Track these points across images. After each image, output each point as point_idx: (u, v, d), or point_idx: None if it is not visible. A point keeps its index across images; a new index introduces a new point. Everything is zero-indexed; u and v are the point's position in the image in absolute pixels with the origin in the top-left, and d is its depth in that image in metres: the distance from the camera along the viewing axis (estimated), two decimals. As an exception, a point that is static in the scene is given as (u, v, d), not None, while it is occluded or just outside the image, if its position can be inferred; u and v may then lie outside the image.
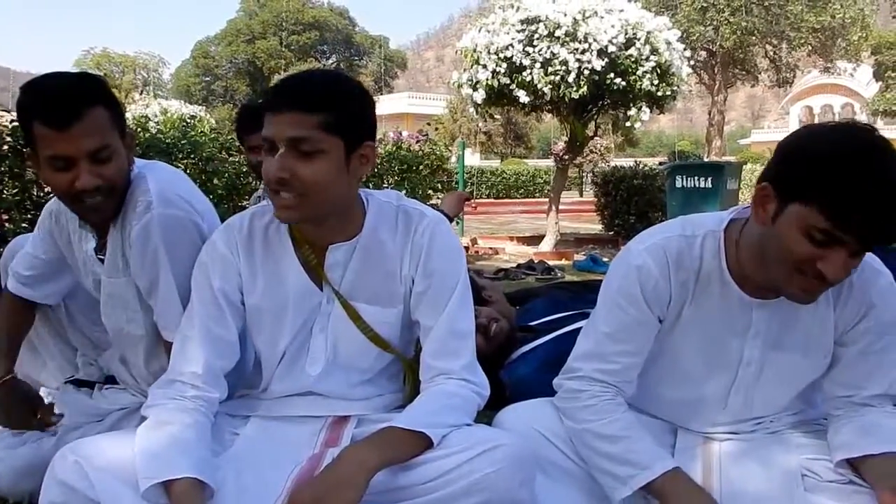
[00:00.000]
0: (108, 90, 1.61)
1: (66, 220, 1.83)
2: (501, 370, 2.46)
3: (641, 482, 1.41)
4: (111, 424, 1.83)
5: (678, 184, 7.22)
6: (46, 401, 1.93)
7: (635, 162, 10.50)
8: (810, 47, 25.78)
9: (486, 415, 1.62)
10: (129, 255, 1.69)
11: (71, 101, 1.51)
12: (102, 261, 1.77)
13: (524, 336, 2.59)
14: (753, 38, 25.41)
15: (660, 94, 6.98)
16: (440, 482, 1.35)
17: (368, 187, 5.86)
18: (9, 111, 5.03)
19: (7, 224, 4.43)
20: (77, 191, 1.55)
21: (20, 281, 1.95)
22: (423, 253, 1.55)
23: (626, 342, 1.52)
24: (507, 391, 2.26)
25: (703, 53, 26.00)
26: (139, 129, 5.46)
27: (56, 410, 1.88)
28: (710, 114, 28.66)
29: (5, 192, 4.68)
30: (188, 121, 5.95)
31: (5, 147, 4.57)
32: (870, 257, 1.42)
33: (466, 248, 7.60)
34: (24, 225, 4.28)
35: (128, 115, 8.27)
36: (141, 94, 38.53)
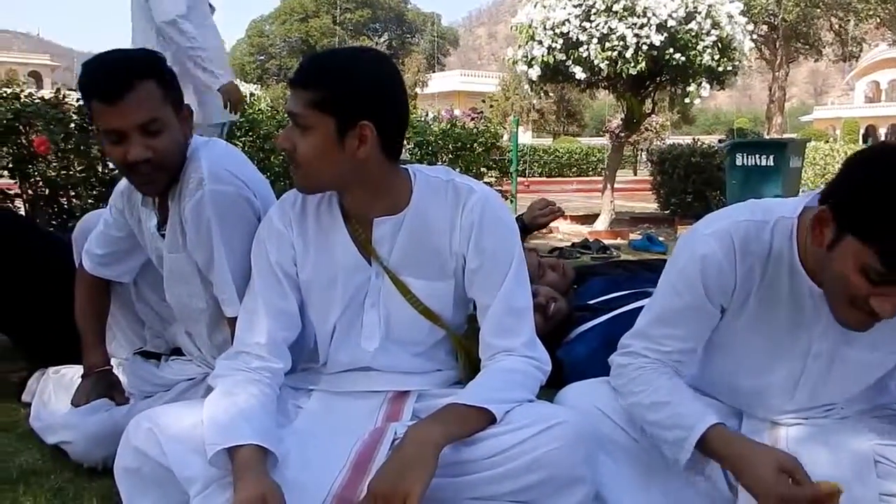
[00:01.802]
0: (160, 65, 1.66)
1: (135, 198, 1.88)
2: (559, 349, 2.45)
3: (693, 441, 1.38)
4: (178, 394, 1.88)
5: (738, 162, 7.03)
6: (116, 371, 1.99)
7: (693, 139, 10.27)
8: (878, 19, 24.85)
9: (546, 394, 1.62)
10: (186, 230, 1.73)
11: (121, 76, 1.57)
12: (164, 237, 1.82)
13: (582, 315, 2.58)
14: (818, 10, 24.60)
15: (721, 69, 6.79)
16: (503, 457, 1.36)
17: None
18: (74, 90, 5.17)
19: (74, 200, 4.56)
20: (130, 162, 1.61)
21: (96, 261, 2.01)
22: (475, 229, 1.54)
23: (675, 327, 1.49)
24: (565, 370, 2.26)
25: (765, 27, 25.28)
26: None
27: (125, 380, 1.95)
28: (770, 90, 27.89)
29: (72, 168, 4.83)
30: (246, 99, 6.01)
31: (72, 125, 4.70)
32: None
33: (520, 227, 7.55)
34: (90, 202, 4.41)
35: (186, 94, 8.42)
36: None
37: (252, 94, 6.78)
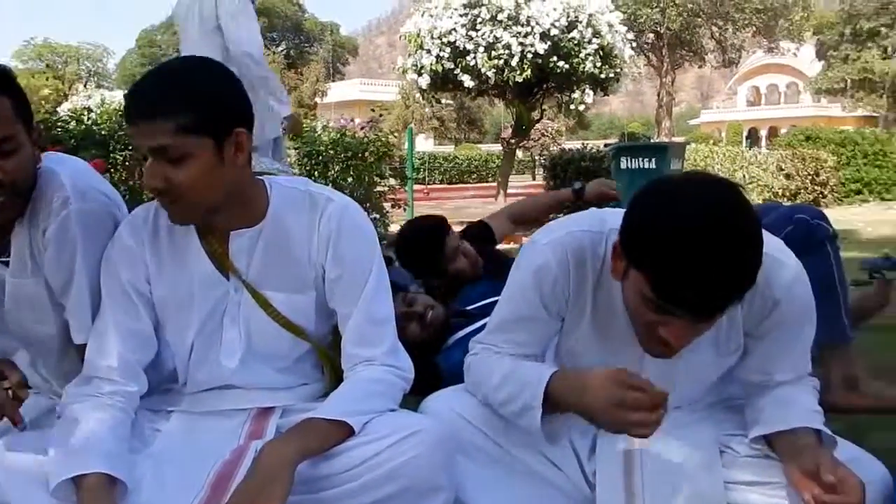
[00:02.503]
0: (12, 80, 1.52)
1: None
2: (438, 355, 2.46)
3: (540, 398, 1.39)
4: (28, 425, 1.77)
5: (623, 165, 7.29)
6: None
7: (582, 144, 10.59)
8: (755, 28, 26.35)
9: (419, 400, 1.62)
10: (39, 254, 1.61)
11: None
12: (6, 263, 1.67)
13: (459, 321, 2.60)
14: (699, 19, 25.86)
15: (603, 76, 7.07)
16: (362, 469, 1.35)
17: (314, 175, 5.77)
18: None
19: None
20: None
21: None
22: (332, 238, 1.52)
23: (515, 333, 1.52)
24: (444, 376, 2.27)
25: (651, 36, 26.33)
26: (74, 121, 5.31)
27: None
28: (658, 95, 29.06)
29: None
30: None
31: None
32: (774, 243, 1.41)
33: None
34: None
35: (67, 105, 8.05)
36: (85, 85, 37.56)
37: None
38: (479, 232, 3.16)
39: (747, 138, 39.78)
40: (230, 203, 1.47)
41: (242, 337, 1.55)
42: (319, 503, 1.37)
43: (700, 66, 31.05)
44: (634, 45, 7.04)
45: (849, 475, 1.29)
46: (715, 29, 27.25)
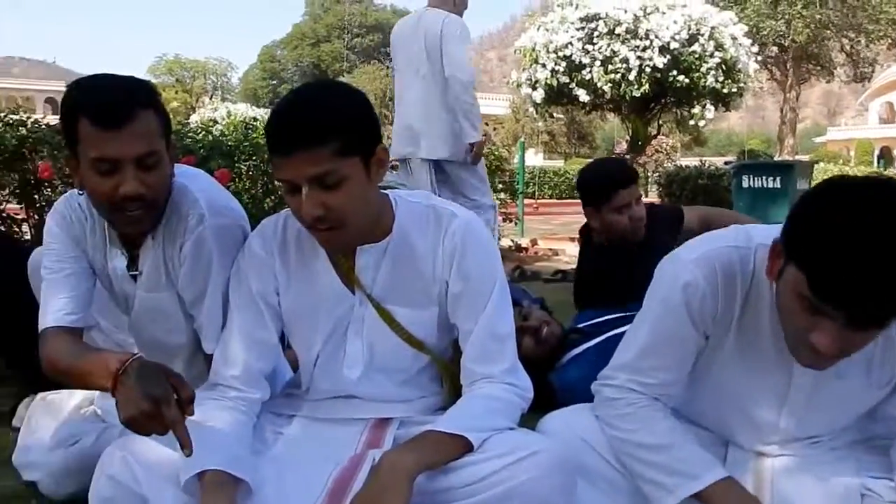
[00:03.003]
0: (158, 96, 1.57)
1: (85, 230, 1.71)
2: (552, 373, 2.43)
3: (689, 492, 1.36)
4: None
5: (745, 184, 7.01)
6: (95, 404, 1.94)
7: (700, 161, 10.26)
8: (890, 40, 24.83)
9: (535, 418, 1.60)
10: (174, 269, 1.68)
11: (124, 102, 1.45)
12: (134, 277, 1.72)
13: (574, 339, 2.56)
14: (828, 31, 24.64)
15: (725, 91, 6.83)
16: (479, 486, 1.34)
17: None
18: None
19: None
20: (120, 198, 1.49)
21: (64, 312, 1.66)
22: (457, 254, 1.52)
23: (664, 357, 1.46)
24: (557, 394, 2.24)
25: (775, 49, 25.29)
26: (203, 132, 5.59)
27: (99, 412, 1.90)
28: (782, 111, 27.87)
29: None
30: (250, 123, 6.06)
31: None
32: None
33: (525, 249, 7.55)
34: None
35: (195, 118, 8.50)
36: (210, 98, 39.56)
37: (255, 119, 6.84)
38: (669, 214, 3.05)
39: (879, 158, 37.52)
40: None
41: (365, 350, 1.58)
42: (437, 517, 1.37)
43: (828, 81, 29.59)
44: (758, 58, 6.78)
45: None
46: (845, 41, 25.93)
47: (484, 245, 1.56)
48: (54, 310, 1.65)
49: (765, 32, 22.96)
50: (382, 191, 1.56)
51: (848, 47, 26.30)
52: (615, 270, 2.72)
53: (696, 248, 1.44)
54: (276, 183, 5.81)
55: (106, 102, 1.45)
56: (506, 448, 1.36)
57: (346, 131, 1.35)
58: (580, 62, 6.65)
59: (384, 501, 1.26)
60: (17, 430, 2.06)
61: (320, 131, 1.33)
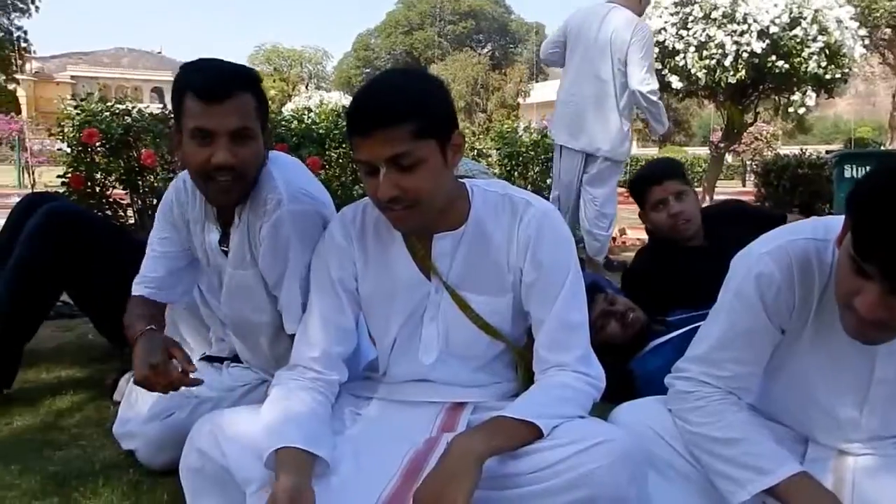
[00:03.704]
0: (258, 82, 1.72)
1: (194, 212, 1.90)
2: (633, 361, 2.41)
3: (762, 486, 1.33)
4: (239, 398, 1.95)
5: (847, 174, 6.67)
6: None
7: (801, 150, 9.83)
8: None
9: (613, 408, 1.60)
10: (255, 249, 1.77)
11: (225, 81, 1.62)
12: (225, 252, 1.85)
13: (658, 329, 2.52)
14: (947, 11, 23.04)
15: (828, 77, 6.50)
16: (547, 473, 1.35)
17: (514, 177, 5.85)
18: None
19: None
20: (212, 166, 1.63)
21: (154, 287, 1.97)
22: (532, 243, 1.53)
23: (739, 350, 1.43)
24: (637, 383, 2.22)
25: (888, 31, 23.87)
26: (296, 121, 5.75)
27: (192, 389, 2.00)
28: (894, 97, 26.32)
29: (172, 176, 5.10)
30: (341, 111, 6.19)
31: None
32: None
33: (614, 239, 7.43)
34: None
35: (290, 106, 8.72)
36: (306, 86, 40.49)
37: (346, 107, 6.95)
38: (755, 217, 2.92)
39: None
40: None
41: (440, 336, 1.61)
42: (504, 501, 1.38)
43: (946, 65, 27.71)
44: (868, 41, 6.43)
45: None
46: (966, 22, 24.21)
47: (558, 234, 1.57)
48: (138, 281, 1.99)
49: (877, 14, 21.72)
50: (459, 179, 1.59)
51: (970, 28, 24.54)
52: (662, 271, 2.67)
53: (771, 240, 1.41)
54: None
55: (210, 79, 1.62)
56: (576, 436, 1.37)
57: (422, 114, 1.39)
58: (673, 48, 6.48)
59: (453, 483, 1.28)
60: (118, 403, 2.20)
61: (398, 113, 1.37)
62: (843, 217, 1.36)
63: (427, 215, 1.47)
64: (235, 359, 2.07)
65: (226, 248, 1.85)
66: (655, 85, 4.60)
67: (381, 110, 1.38)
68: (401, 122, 1.37)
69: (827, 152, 10.26)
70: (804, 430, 1.51)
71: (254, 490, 1.40)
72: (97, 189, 4.75)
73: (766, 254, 1.38)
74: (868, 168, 6.51)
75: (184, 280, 2.03)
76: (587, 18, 4.75)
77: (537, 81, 49.71)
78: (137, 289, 1.96)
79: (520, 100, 39.41)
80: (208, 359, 2.11)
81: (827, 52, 6.38)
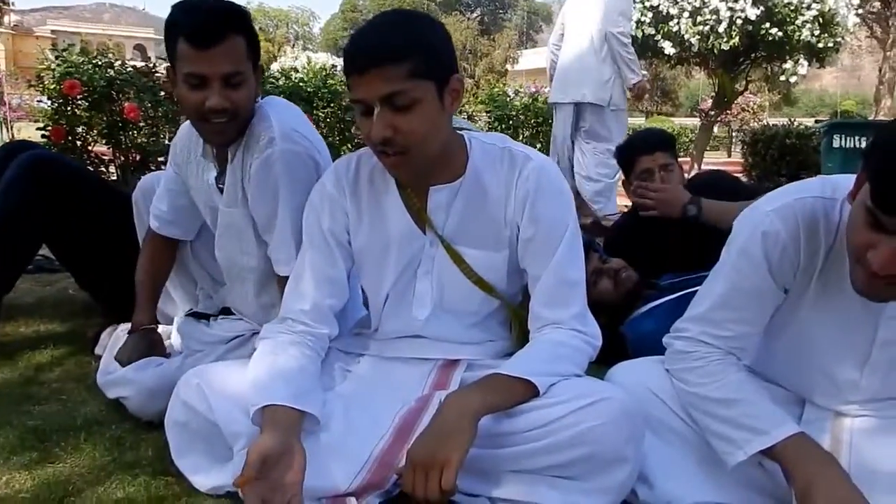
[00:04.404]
0: (249, 22, 1.69)
1: (195, 149, 1.91)
2: (625, 324, 2.39)
3: (759, 447, 1.31)
4: (227, 351, 1.91)
5: (835, 143, 6.67)
6: (170, 331, 2.08)
7: (789, 120, 9.82)
8: None
9: (605, 370, 1.58)
10: (247, 187, 1.75)
11: (216, 26, 1.60)
12: (221, 190, 1.84)
13: (650, 293, 2.50)
14: (938, -15, 23.00)
15: (820, 45, 6.47)
16: (544, 431, 1.33)
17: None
18: (163, 59, 5.34)
19: (164, 166, 4.77)
20: (206, 110, 1.63)
21: (163, 220, 2.06)
22: (530, 198, 1.49)
23: (740, 310, 1.40)
24: (629, 346, 2.20)
25: (877, 4, 23.82)
26: (283, 78, 5.65)
27: (175, 340, 2.04)
28: (880, 70, 26.33)
29: (162, 135, 5.02)
30: (329, 71, 6.09)
31: (162, 94, 4.87)
32: None
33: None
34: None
35: (276, 66, 8.61)
36: (292, 47, 39.95)
37: (335, 66, 6.89)
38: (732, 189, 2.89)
39: (985, 122, 35.16)
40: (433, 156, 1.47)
41: (434, 290, 1.57)
42: (500, 459, 1.37)
43: (933, 40, 27.71)
44: (859, 14, 6.38)
45: None
46: (956, -3, 24.19)
47: (557, 190, 1.53)
48: (153, 213, 2.08)
49: (868, -14, 21.65)
50: (458, 131, 1.54)
51: (959, 3, 24.54)
52: (640, 240, 2.64)
53: (778, 198, 1.37)
54: (353, 130, 5.84)
55: (201, 24, 1.60)
56: (573, 394, 1.35)
57: (419, 53, 1.34)
58: (667, 13, 6.41)
59: (448, 441, 1.26)
60: (100, 357, 2.15)
61: (394, 50, 1.33)
62: (851, 177, 1.33)
63: (421, 162, 1.42)
64: (223, 313, 2.03)
65: (222, 186, 1.84)
66: (626, 28, 4.84)
67: (378, 48, 1.33)
68: (397, 60, 1.32)
69: (816, 121, 10.26)
70: (802, 392, 1.49)
71: (241, 446, 1.37)
72: (78, 143, 4.66)
73: (773, 211, 1.34)
74: (857, 138, 6.55)
75: (188, 218, 2.06)
76: None
77: (526, 48, 49.35)
78: (152, 220, 2.09)
79: (508, 66, 39.12)
80: (195, 315, 2.07)
81: (821, 20, 6.34)
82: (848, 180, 1.30)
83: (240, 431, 1.38)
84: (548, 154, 5.56)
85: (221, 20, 1.61)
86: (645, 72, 5.62)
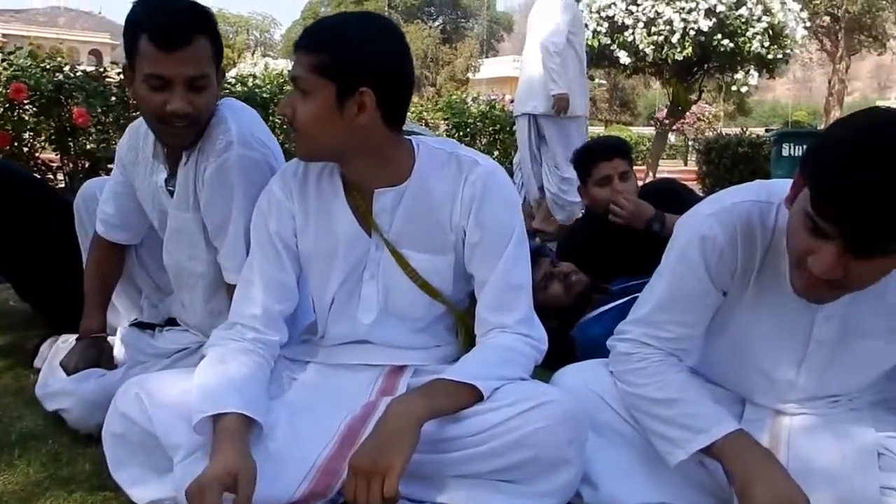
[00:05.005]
0: (214, 23, 1.66)
1: (145, 150, 1.85)
2: (574, 328, 2.41)
3: (698, 446, 1.33)
4: (172, 362, 1.87)
5: (785, 152, 6.84)
6: (114, 341, 2.00)
7: (741, 129, 10.03)
8: (947, 12, 23.91)
9: (552, 373, 1.58)
10: (200, 191, 1.71)
11: (182, 27, 1.56)
12: (171, 193, 1.80)
13: (601, 298, 2.52)
14: (883, 1, 23.75)
15: (770, 56, 6.62)
16: (487, 435, 1.34)
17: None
18: (118, 64, 5.25)
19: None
20: (167, 113, 1.59)
21: (109, 224, 1.99)
22: (475, 202, 1.49)
23: (680, 312, 1.42)
24: (578, 350, 2.21)
25: (827, 19, 24.48)
26: (238, 84, 5.60)
27: (119, 351, 1.96)
28: (830, 82, 27.08)
29: (112, 142, 4.92)
30: (286, 76, 6.06)
31: (112, 98, 4.78)
32: None
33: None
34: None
35: (233, 72, 8.54)
36: (252, 54, 39.61)
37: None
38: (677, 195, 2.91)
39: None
40: (366, 160, 1.47)
41: (380, 294, 1.56)
42: (444, 464, 1.36)
43: (880, 54, 28.54)
44: (808, 27, 6.56)
45: None
46: (901, 12, 24.97)
47: (504, 195, 1.53)
48: (99, 217, 2.01)
49: (817, 1, 22.22)
50: (407, 135, 1.54)
51: (903, 18, 25.34)
52: (593, 245, 2.66)
53: (716, 202, 1.40)
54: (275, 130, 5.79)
55: (167, 25, 1.55)
56: (516, 397, 1.35)
57: (328, 53, 1.38)
58: (623, 23, 6.51)
59: (390, 447, 1.25)
60: (38, 370, 2.09)
61: (309, 43, 1.41)
62: (787, 181, 1.35)
63: (309, 148, 1.47)
64: (169, 323, 1.99)
65: (172, 188, 1.79)
66: (559, 39, 4.93)
67: (304, 36, 1.43)
68: (306, 51, 1.40)
69: (767, 131, 10.51)
70: (742, 392, 1.52)
71: (181, 457, 1.34)
72: (25, 149, 4.55)
73: (711, 215, 1.37)
74: (805, 146, 6.71)
75: (131, 221, 2.00)
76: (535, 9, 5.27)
77: (487, 57, 49.64)
78: (98, 224, 2.02)
79: (469, 74, 39.29)
80: (139, 325, 2.02)
81: (770, 32, 6.49)
82: (783, 185, 1.32)
83: (180, 442, 1.35)
84: (507, 162, 5.62)
85: (188, 22, 1.57)
86: (603, 81, 5.70)
